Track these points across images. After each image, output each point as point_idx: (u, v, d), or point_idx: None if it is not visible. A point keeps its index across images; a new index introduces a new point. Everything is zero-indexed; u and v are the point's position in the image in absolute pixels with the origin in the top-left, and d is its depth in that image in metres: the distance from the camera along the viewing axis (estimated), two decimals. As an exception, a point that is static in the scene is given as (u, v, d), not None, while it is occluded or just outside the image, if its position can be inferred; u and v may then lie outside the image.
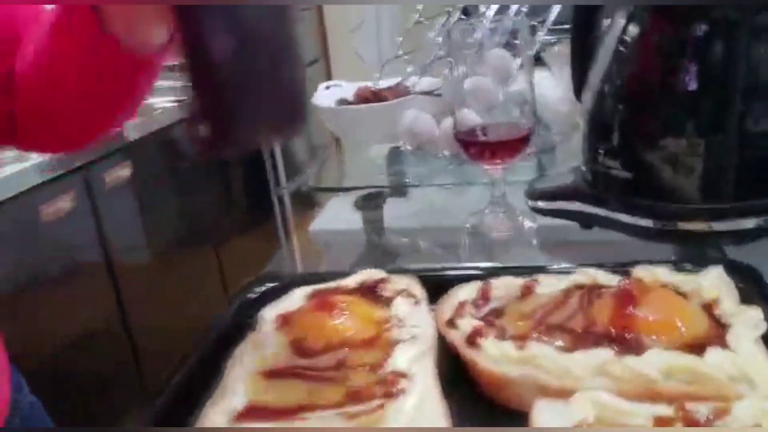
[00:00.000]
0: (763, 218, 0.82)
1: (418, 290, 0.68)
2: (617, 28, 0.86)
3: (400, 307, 0.64)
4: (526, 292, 0.65)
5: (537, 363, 0.54)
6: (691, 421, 0.45)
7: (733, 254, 0.77)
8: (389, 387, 0.52)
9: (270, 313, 0.66)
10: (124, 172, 1.90)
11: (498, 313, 0.62)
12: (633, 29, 0.85)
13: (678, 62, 0.84)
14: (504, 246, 0.92)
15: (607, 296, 0.60)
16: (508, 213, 0.93)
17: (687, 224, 0.82)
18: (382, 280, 0.69)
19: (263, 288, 0.72)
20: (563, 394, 0.50)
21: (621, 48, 0.86)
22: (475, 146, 0.90)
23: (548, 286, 0.65)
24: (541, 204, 0.94)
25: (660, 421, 0.45)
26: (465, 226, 0.96)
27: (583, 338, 0.56)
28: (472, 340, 0.58)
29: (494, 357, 0.55)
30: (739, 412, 0.45)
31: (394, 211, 1.09)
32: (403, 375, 0.53)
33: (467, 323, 0.60)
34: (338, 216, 1.11)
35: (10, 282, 1.53)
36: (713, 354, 0.52)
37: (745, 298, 0.60)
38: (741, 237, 0.81)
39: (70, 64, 0.63)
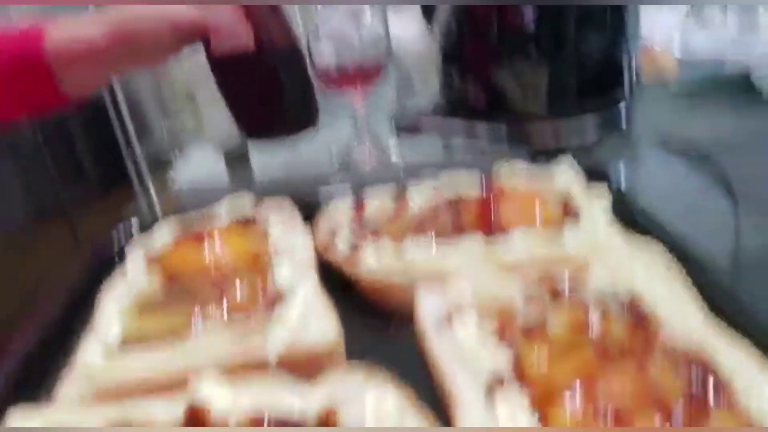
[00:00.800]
0: (598, 124, 0.90)
1: (293, 214, 0.67)
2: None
3: (275, 232, 0.63)
4: (399, 207, 0.67)
5: (414, 266, 0.56)
6: (554, 291, 0.49)
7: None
8: (270, 301, 0.51)
9: (139, 249, 0.62)
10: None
11: (373, 230, 0.64)
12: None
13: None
14: (375, 175, 0.93)
15: (471, 202, 0.63)
16: (375, 144, 0.94)
17: (537, 140, 0.89)
18: (254, 206, 0.68)
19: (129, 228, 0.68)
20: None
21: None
22: (332, 76, 0.90)
23: (418, 201, 0.68)
24: (406, 131, 0.97)
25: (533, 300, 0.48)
26: (334, 163, 0.96)
27: (451, 236, 0.59)
28: (351, 256, 0.59)
29: (374, 269, 0.57)
30: (595, 277, 0.50)
31: (262, 163, 1.06)
32: (284, 290, 0.53)
33: (345, 242, 0.61)
34: (201, 171, 1.06)
35: None
36: (569, 232, 0.56)
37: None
38: (582, 140, 0.90)
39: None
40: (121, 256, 0.62)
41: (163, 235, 0.64)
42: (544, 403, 0.38)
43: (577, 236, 0.56)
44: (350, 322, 0.51)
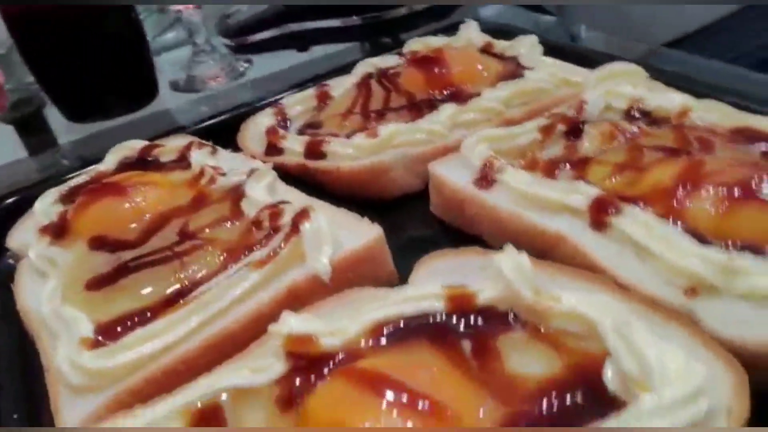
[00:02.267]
0: None
1: (200, 142, 0.54)
2: None
3: (201, 159, 0.50)
4: (322, 98, 0.58)
5: (396, 141, 0.49)
6: (565, 121, 0.46)
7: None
8: (275, 220, 0.41)
9: (25, 234, 0.45)
10: None
11: (314, 123, 0.55)
12: None
13: None
14: (229, 91, 0.80)
15: (410, 71, 0.57)
16: (219, 57, 0.81)
17: (390, 12, 0.84)
18: (150, 148, 0.54)
19: None
20: (441, 153, 0.47)
21: None
22: None
23: (339, 87, 0.59)
24: (243, 39, 0.85)
25: (544, 132, 0.45)
26: (175, 81, 0.81)
27: (418, 107, 0.53)
28: (313, 151, 0.49)
29: (349, 155, 0.48)
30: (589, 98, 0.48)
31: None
32: (278, 204, 0.42)
33: (293, 141, 0.51)
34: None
35: None
36: (528, 75, 0.54)
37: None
38: (437, 15, 0.87)
39: None
40: None
41: (47, 209, 0.47)
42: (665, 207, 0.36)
43: (535, 75, 0.54)
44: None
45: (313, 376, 0.30)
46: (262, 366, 0.31)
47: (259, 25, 0.84)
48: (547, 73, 0.54)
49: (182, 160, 0.52)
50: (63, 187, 0.50)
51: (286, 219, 0.40)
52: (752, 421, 0.26)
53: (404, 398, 0.26)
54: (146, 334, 0.34)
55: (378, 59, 0.62)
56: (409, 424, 0.25)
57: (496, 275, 0.31)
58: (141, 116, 0.73)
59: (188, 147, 0.52)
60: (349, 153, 0.48)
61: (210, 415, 0.30)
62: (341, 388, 0.28)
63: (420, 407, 0.26)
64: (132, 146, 0.54)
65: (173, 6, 0.78)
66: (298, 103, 0.58)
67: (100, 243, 0.43)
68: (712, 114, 0.43)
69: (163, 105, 0.77)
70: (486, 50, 0.61)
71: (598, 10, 0.89)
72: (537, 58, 0.57)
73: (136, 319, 0.36)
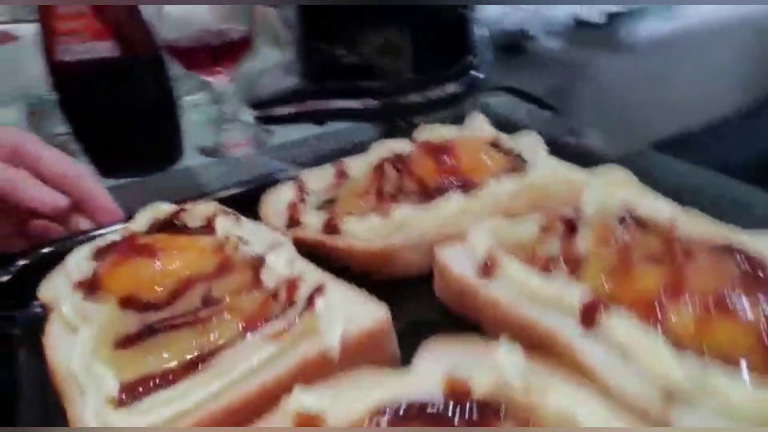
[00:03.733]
0: (456, 84, 0.95)
1: (225, 210, 0.59)
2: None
3: (227, 227, 0.54)
4: (340, 176, 0.63)
5: (407, 225, 0.53)
6: (563, 220, 0.50)
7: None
8: (292, 293, 0.44)
9: (57, 287, 0.49)
10: None
11: (331, 200, 0.59)
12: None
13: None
14: (251, 161, 0.85)
15: (422, 158, 0.62)
16: (243, 127, 0.87)
17: (404, 97, 0.89)
18: (178, 213, 0.58)
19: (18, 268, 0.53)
20: (448, 239, 0.51)
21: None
22: (189, 54, 0.81)
23: (356, 167, 0.64)
24: (269, 111, 0.90)
25: (543, 230, 0.50)
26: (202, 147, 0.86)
27: (428, 193, 0.57)
28: (331, 227, 0.54)
29: (361, 233, 0.53)
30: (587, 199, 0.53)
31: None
32: (296, 278, 0.46)
33: (313, 217, 0.55)
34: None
35: None
36: (533, 170, 0.59)
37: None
38: (449, 102, 0.93)
39: None
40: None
41: (80, 264, 0.51)
42: (647, 313, 0.39)
43: (538, 173, 0.58)
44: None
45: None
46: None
47: (283, 100, 0.89)
48: (548, 171, 0.58)
49: (208, 226, 0.56)
50: (96, 243, 0.54)
51: (302, 293, 0.44)
52: None
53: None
54: (170, 396, 0.37)
55: (392, 143, 0.67)
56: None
57: (492, 368, 0.35)
58: (165, 175, 0.79)
59: (214, 215, 0.56)
60: (362, 232, 0.52)
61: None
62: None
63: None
64: (161, 208, 0.58)
65: (205, 77, 0.83)
66: (317, 179, 0.62)
67: (129, 302, 0.46)
68: (698, 226, 0.47)
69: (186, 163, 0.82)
70: (492, 143, 0.66)
71: (601, 104, 0.95)
72: (539, 154, 0.62)
73: (158, 381, 0.40)
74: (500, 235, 0.49)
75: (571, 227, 0.50)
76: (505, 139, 0.66)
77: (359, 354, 0.41)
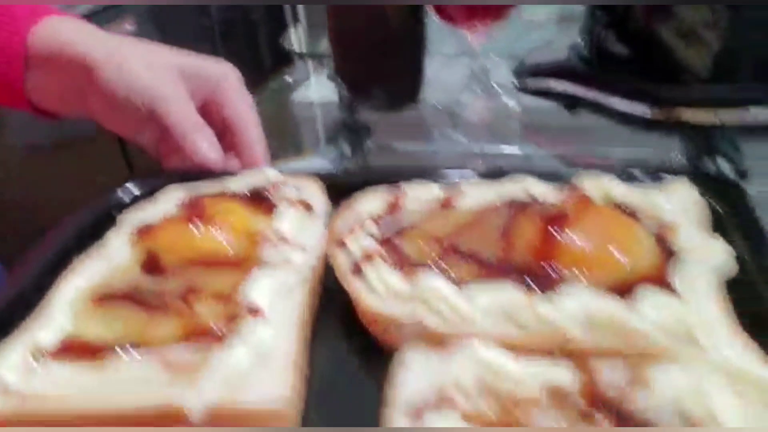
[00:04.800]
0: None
1: (317, 198, 0.56)
2: None
3: (285, 219, 0.52)
4: (446, 204, 0.53)
5: (426, 300, 0.42)
6: (595, 393, 0.33)
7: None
8: (233, 325, 0.41)
9: (129, 220, 0.54)
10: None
11: (404, 232, 0.50)
12: None
13: None
14: (480, 128, 0.79)
15: (534, 214, 0.47)
16: (489, 91, 0.79)
17: (689, 112, 0.68)
18: (276, 185, 0.57)
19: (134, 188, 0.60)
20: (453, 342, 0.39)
21: None
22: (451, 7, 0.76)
23: (473, 197, 0.53)
24: (529, 82, 0.80)
25: (555, 393, 0.34)
26: (438, 104, 0.84)
27: (492, 270, 0.44)
28: (358, 267, 0.46)
29: (378, 289, 0.44)
30: (660, 378, 0.34)
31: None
32: (256, 311, 0.42)
33: (359, 245, 0.48)
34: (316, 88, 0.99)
35: None
36: (649, 298, 0.39)
37: (719, 225, 0.48)
38: (752, 132, 0.68)
39: None
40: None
41: (166, 205, 0.55)
42: None
43: (661, 303, 0.39)
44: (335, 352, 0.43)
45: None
46: None
47: (553, 71, 0.80)
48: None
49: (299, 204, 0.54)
50: (192, 189, 0.58)
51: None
52: None
53: None
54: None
55: (535, 181, 0.52)
56: None
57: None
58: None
59: (292, 200, 0.54)
60: (374, 285, 0.44)
61: None
62: None
63: None
64: (268, 175, 0.58)
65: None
66: (419, 197, 0.53)
67: (146, 260, 0.49)
68: None
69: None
70: (662, 236, 0.46)
71: None
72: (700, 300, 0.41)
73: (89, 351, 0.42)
74: (489, 372, 0.35)
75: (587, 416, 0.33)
76: (688, 235, 0.45)
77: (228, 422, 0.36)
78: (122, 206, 0.58)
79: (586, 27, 0.76)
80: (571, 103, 0.78)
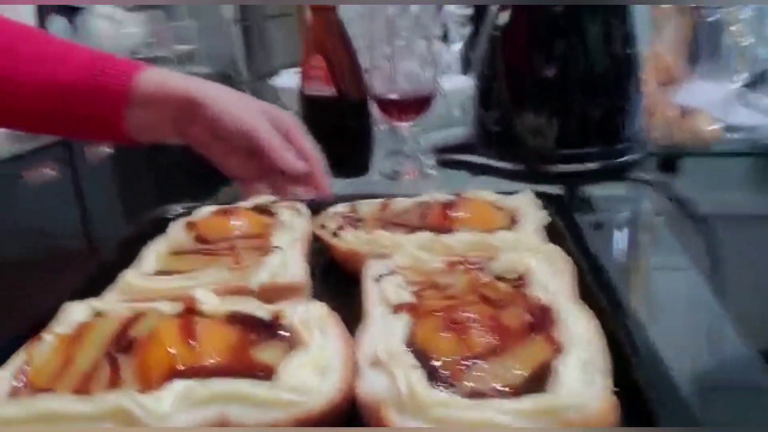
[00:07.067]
0: (600, 163, 1.05)
1: (303, 208, 0.86)
2: (492, 16, 1.08)
3: (284, 215, 0.82)
4: (383, 207, 0.85)
5: (379, 242, 0.73)
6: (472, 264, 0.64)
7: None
8: (262, 254, 0.70)
9: (180, 221, 0.83)
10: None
11: (361, 220, 0.81)
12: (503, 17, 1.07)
13: (534, 50, 1.07)
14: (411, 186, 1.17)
15: (436, 206, 0.80)
16: (416, 163, 1.15)
17: (546, 166, 1.04)
18: (274, 202, 0.87)
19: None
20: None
21: (494, 33, 1.09)
22: (392, 108, 1.15)
23: (401, 204, 0.85)
24: (444, 156, 1.16)
25: (450, 264, 0.65)
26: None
27: (415, 229, 0.75)
28: (335, 232, 0.77)
29: (349, 241, 0.74)
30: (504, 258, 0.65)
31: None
32: (275, 247, 0.71)
33: (334, 223, 0.79)
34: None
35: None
36: (502, 234, 0.72)
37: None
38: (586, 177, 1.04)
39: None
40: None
41: (203, 214, 0.84)
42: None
43: (505, 236, 0.71)
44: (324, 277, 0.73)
45: None
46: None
47: (458, 148, 1.15)
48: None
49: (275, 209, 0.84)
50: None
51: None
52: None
53: None
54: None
55: (439, 194, 0.85)
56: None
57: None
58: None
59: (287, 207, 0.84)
60: (347, 239, 0.74)
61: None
62: None
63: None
64: (268, 198, 0.88)
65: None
66: (369, 204, 0.85)
67: (197, 237, 0.77)
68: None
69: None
70: (511, 214, 0.79)
71: None
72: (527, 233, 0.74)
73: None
74: (417, 262, 0.66)
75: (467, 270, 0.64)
76: (519, 209, 0.78)
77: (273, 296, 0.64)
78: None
79: (477, 114, 1.14)
80: (474, 169, 1.13)
